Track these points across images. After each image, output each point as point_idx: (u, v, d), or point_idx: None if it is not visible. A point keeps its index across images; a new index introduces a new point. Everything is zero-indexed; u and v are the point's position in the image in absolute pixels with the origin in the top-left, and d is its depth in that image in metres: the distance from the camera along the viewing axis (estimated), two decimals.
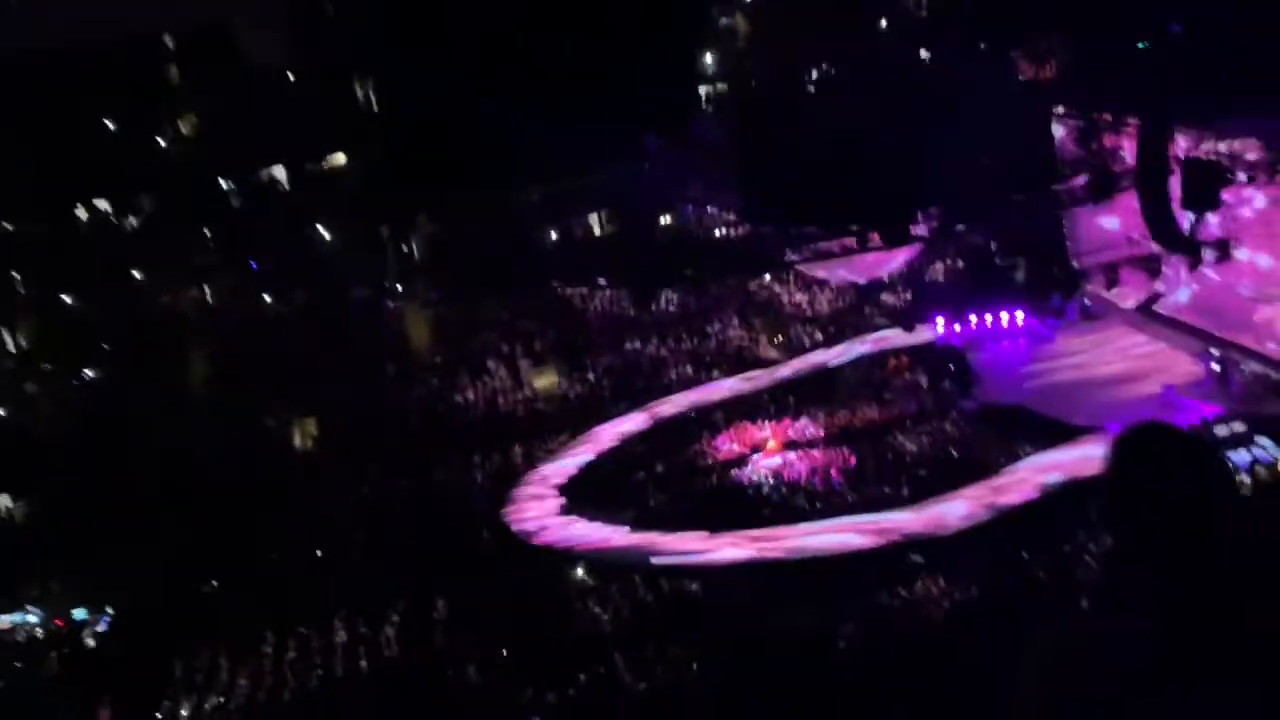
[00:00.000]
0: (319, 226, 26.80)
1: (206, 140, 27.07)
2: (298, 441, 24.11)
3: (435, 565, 19.17)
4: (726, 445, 23.66)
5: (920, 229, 25.58)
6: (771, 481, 22.05)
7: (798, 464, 22.44)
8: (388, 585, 18.77)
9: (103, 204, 27.54)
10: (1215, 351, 22.28)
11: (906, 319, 26.45)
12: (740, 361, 27.22)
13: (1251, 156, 21.10)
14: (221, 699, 17.67)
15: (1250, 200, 22.21)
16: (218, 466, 21.94)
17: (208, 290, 26.47)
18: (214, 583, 20.18)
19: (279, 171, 30.05)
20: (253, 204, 29.12)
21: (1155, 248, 22.37)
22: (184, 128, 27.35)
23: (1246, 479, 18.33)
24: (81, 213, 27.55)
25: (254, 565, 20.03)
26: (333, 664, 17.78)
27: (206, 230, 28.17)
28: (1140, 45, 23.55)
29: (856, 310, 28.59)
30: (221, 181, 28.98)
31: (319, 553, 21.01)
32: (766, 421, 24.21)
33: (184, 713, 17.61)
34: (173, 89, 27.95)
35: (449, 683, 16.99)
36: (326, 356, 25.62)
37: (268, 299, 28.18)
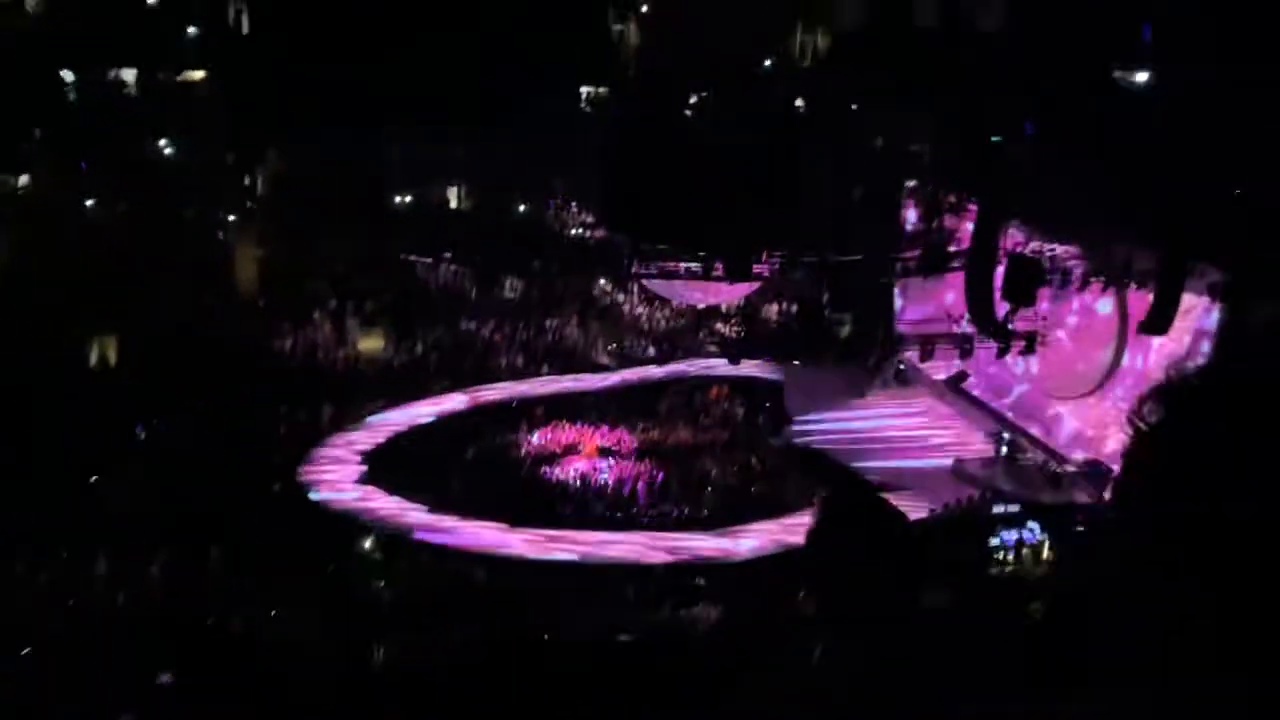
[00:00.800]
0: (160, 140, 25.43)
1: (52, 24, 25.27)
2: (93, 359, 22.68)
3: (218, 509, 18.42)
4: (541, 441, 23.74)
5: (761, 269, 26.40)
6: (578, 484, 22.26)
7: (607, 471, 22.74)
8: (161, 523, 17.89)
9: None
10: (1006, 435, 23.95)
11: (733, 351, 27.23)
12: (571, 361, 27.36)
13: (1073, 263, 22.77)
14: None
15: (1065, 304, 24.03)
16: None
17: (25, 181, 24.65)
18: None
19: (128, 74, 28.37)
20: (92, 102, 27.40)
21: (971, 329, 23.82)
22: (29, 4, 25.48)
23: (1010, 557, 19.81)
24: None
25: (23, 483, 18.69)
26: (89, 596, 16.84)
27: (36, 119, 26.35)
28: (994, 139, 25.17)
29: (691, 332, 29.19)
30: (63, 73, 27.16)
31: (93, 478, 19.87)
32: (585, 425, 24.44)
33: None
34: None
35: (210, 631, 16.40)
36: (142, 274, 24.28)
37: (89, 203, 26.51)
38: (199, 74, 28.53)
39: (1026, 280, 22.80)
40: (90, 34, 26.07)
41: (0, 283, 22.49)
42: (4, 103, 23.28)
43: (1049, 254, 22.47)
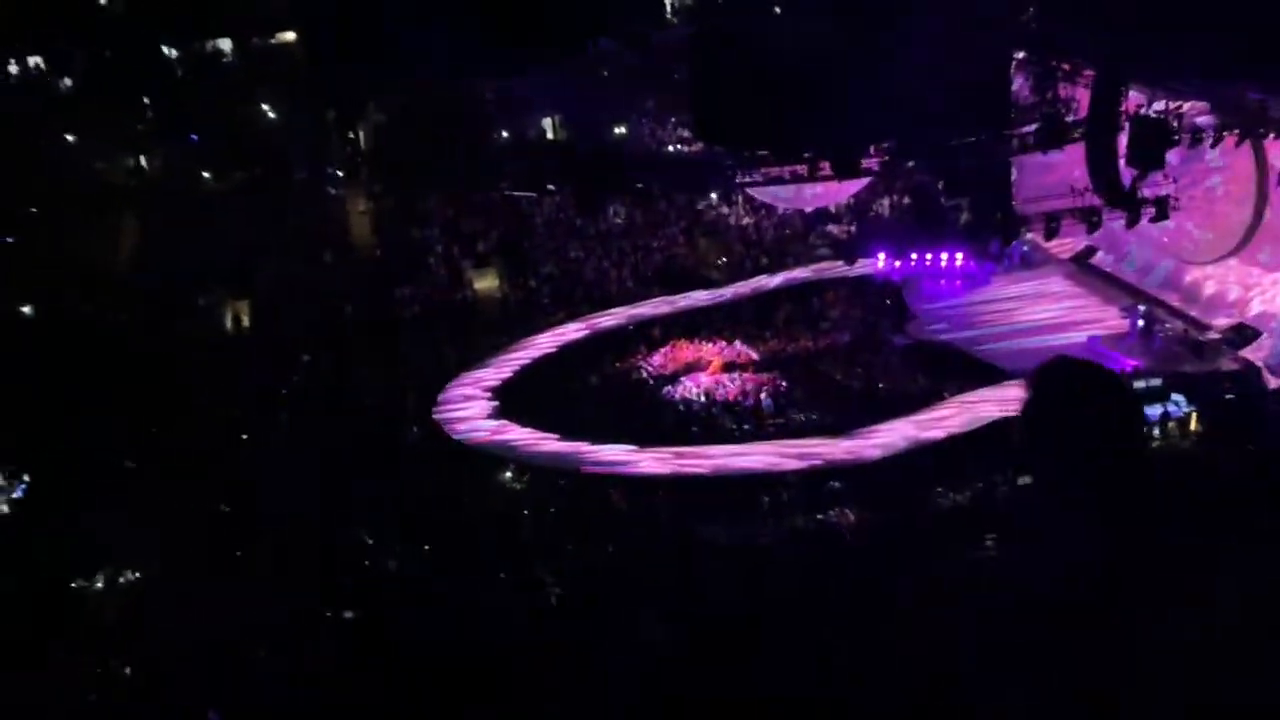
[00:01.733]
0: (263, 105, 26.03)
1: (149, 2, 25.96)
2: (228, 323, 23.65)
3: (360, 457, 19.16)
4: (661, 362, 23.83)
5: (870, 163, 25.61)
6: (703, 400, 22.32)
7: (729, 385, 22.72)
8: (308, 472, 18.69)
9: (35, 60, 26.42)
10: (1141, 308, 22.92)
11: (848, 252, 26.64)
12: (683, 279, 27.23)
13: (1202, 120, 21.42)
14: (135, 573, 17.63)
15: (1197, 163, 22.68)
16: (145, 341, 21.53)
17: (143, 161, 25.60)
18: (130, 461, 19.88)
19: (224, 44, 28.96)
20: (196, 74, 28.10)
21: (1097, 201, 22.71)
22: None
23: (1157, 430, 19.13)
24: (13, 68, 26.41)
25: (175, 442, 19.76)
26: (248, 545, 17.76)
27: (145, 98, 27.19)
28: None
29: (801, 238, 28.66)
30: (164, 48, 27.87)
31: (243, 435, 20.84)
32: (703, 341, 24.40)
33: (98, 584, 17.56)
34: None
35: (366, 572, 17.18)
36: (263, 238, 25.08)
37: (206, 175, 27.35)
38: (290, 35, 29.01)
39: (1152, 142, 21.61)
40: (186, 6, 26.69)
41: (133, 258, 23.54)
42: (115, 82, 24.12)
43: (1175, 112, 21.21)
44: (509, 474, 19.63)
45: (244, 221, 24.94)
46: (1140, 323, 22.18)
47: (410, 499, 18.21)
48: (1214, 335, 21.68)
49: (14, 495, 20.46)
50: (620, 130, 28.87)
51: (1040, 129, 24.05)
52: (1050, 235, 23.79)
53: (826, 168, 24.62)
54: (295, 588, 16.59)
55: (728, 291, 26.68)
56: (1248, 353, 20.81)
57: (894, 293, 25.70)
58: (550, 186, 27.76)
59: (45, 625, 16.45)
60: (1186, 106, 21.21)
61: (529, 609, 16.21)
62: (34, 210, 24.51)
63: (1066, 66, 23.72)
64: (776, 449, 20.08)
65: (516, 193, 27.54)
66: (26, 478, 20.33)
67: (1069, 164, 23.54)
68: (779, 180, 25.94)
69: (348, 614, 16.29)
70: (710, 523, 18.16)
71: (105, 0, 26.33)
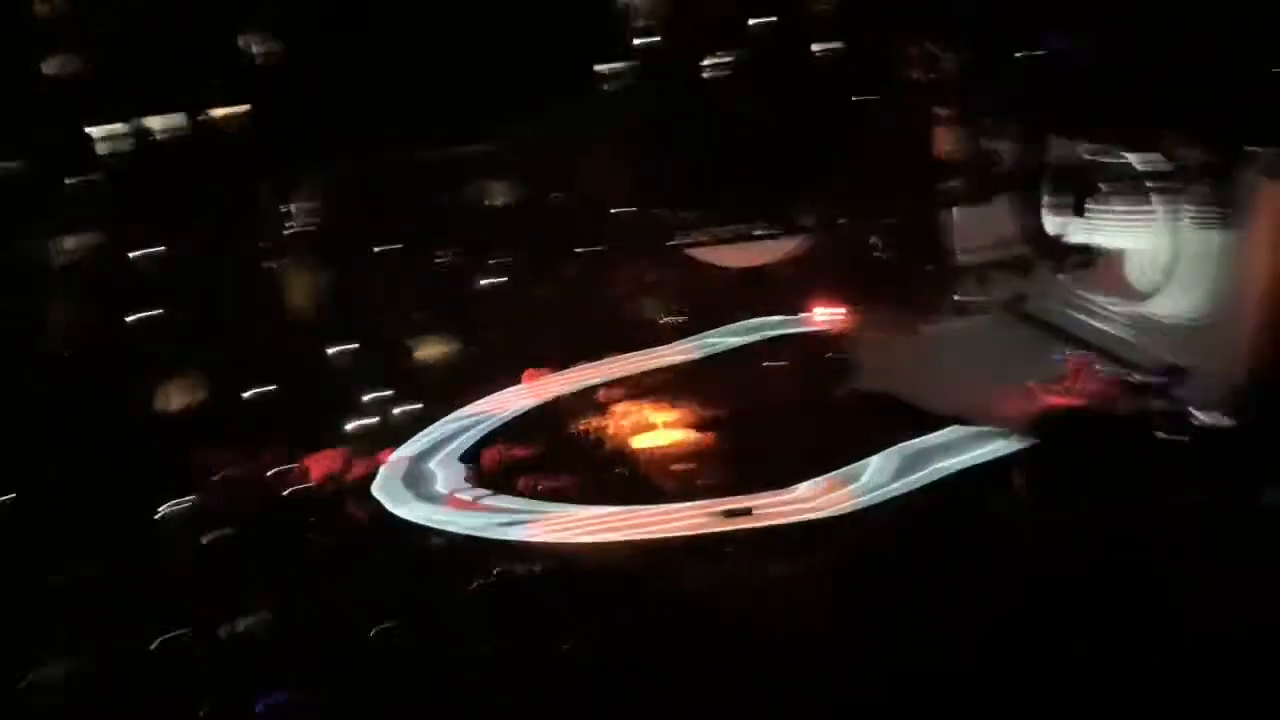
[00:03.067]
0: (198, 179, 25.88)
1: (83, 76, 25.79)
2: (172, 404, 23.42)
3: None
4: (612, 424, 23.99)
5: (807, 219, 26.26)
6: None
7: (679, 444, 22.93)
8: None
9: None
10: (1069, 353, 23.54)
11: (789, 306, 27.12)
12: (629, 339, 27.47)
13: (1124, 168, 22.30)
14: None
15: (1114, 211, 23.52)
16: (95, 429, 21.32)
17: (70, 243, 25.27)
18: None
19: (156, 121, 28.79)
20: (127, 153, 27.89)
21: (1025, 250, 23.52)
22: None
23: None
24: None
25: None
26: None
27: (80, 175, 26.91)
28: (1018, 55, 24.65)
29: (741, 294, 29.09)
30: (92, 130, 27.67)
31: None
32: (651, 400, 24.65)
33: None
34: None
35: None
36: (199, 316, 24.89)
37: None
38: (239, 109, 28.79)
39: (1074, 191, 22.45)
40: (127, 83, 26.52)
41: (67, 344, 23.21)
42: (44, 162, 23.91)
43: (1098, 161, 22.09)
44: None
45: (179, 297, 24.79)
46: (1073, 366, 22.84)
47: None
48: (1146, 376, 22.39)
49: None
50: (557, 195, 29.07)
51: (967, 183, 24.97)
52: (982, 284, 24.58)
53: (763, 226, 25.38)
54: None
55: (670, 350, 27.07)
56: (1179, 393, 21.52)
57: (836, 345, 26.21)
58: (491, 250, 27.93)
59: None
60: (1105, 157, 22.13)
61: None
62: None
63: (989, 121, 24.68)
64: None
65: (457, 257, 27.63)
66: None
67: (1002, 216, 24.37)
68: (722, 240, 26.55)
69: None
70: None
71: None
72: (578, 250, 26.71)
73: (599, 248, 26.57)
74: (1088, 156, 22.58)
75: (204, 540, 20.34)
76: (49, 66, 25.00)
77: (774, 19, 25.26)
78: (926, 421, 21.95)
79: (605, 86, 25.99)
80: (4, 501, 20.37)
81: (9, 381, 20.92)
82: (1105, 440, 19.60)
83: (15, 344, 22.04)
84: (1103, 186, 22.26)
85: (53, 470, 20.15)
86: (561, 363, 26.28)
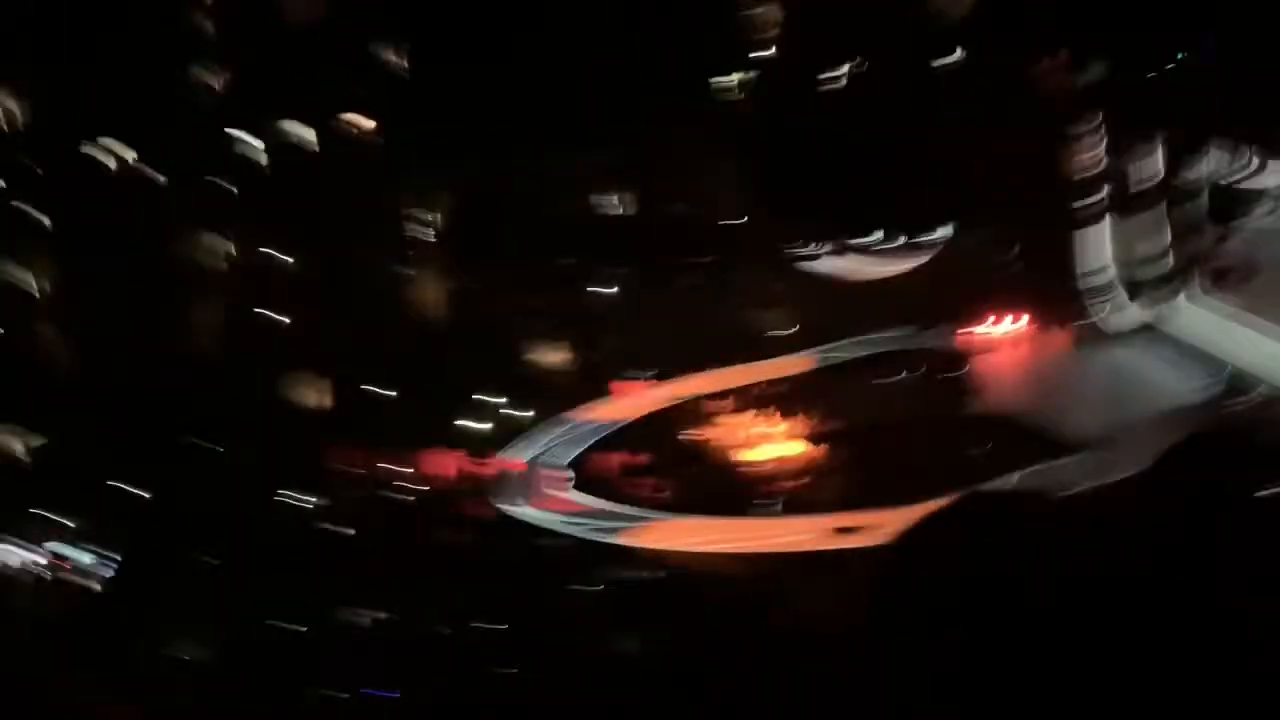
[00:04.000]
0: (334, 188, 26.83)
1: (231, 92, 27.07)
2: (307, 402, 24.27)
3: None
4: (724, 433, 23.79)
5: (938, 234, 25.60)
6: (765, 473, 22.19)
7: (791, 458, 22.57)
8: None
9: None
10: (1218, 376, 22.23)
11: (913, 321, 26.42)
12: (747, 350, 27.21)
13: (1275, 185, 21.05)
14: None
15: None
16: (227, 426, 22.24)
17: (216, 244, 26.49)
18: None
19: (300, 128, 29.99)
20: (269, 160, 29.15)
21: (1171, 268, 22.36)
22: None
23: None
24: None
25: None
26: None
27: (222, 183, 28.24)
28: (1170, 65, 23.51)
29: (864, 307, 28.50)
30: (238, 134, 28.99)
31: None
32: (763, 412, 24.34)
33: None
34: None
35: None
36: (333, 321, 25.77)
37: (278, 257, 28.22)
38: (364, 120, 29.88)
39: (1229, 206, 21.34)
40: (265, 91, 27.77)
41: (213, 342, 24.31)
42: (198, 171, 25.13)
43: (1251, 178, 20.90)
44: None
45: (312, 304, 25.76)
46: (1213, 393, 21.57)
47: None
48: None
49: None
50: (680, 205, 29.07)
51: (1107, 198, 23.92)
52: (1131, 299, 23.43)
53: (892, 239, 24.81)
54: None
55: (793, 362, 26.66)
56: None
57: (962, 361, 25.41)
58: (616, 261, 28.10)
59: None
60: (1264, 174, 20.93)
61: None
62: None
63: (1134, 132, 23.59)
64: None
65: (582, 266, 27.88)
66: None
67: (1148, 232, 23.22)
68: (845, 251, 26.10)
69: None
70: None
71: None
72: (695, 261, 26.60)
73: (716, 258, 26.38)
74: (1240, 168, 21.35)
75: (325, 535, 20.97)
76: (195, 73, 26.41)
77: (901, 27, 24.71)
78: (1057, 445, 21.03)
79: (726, 97, 25.92)
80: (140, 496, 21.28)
81: (148, 380, 21.98)
82: (1248, 474, 18.34)
83: (154, 343, 23.12)
84: (1258, 199, 21.00)
85: (188, 466, 21.04)
86: (674, 372, 26.22)
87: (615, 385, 24.44)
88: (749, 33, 26.02)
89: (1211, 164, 22.02)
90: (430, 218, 28.41)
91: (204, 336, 25.54)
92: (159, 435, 21.88)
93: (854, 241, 26.22)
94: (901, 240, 26.16)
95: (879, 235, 26.19)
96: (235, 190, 26.28)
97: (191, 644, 17.54)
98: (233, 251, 27.38)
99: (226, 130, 26.71)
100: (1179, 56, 23.20)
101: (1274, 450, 18.96)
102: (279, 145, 28.97)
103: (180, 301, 25.52)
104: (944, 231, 25.88)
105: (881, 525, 19.14)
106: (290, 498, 21.78)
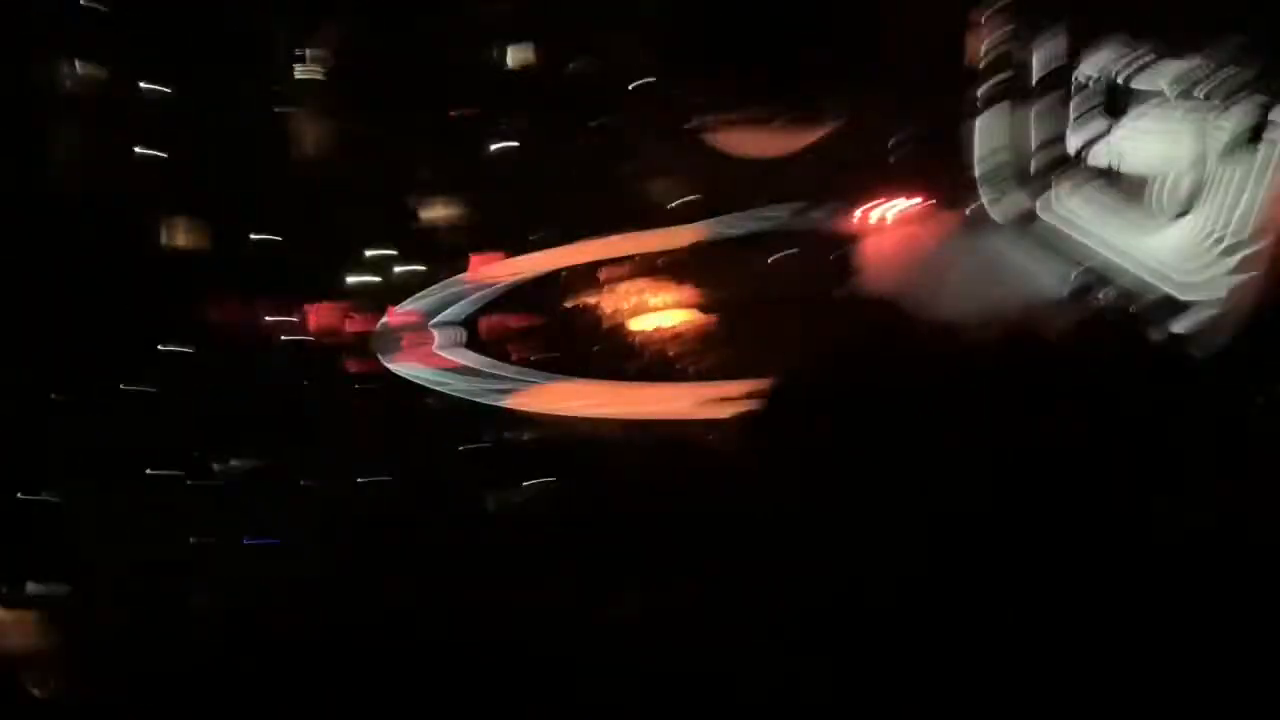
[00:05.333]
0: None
1: None
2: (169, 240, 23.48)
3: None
4: (614, 301, 24.00)
5: (832, 110, 25.64)
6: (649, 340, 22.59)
7: (674, 328, 22.98)
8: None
9: None
10: (1080, 271, 23.21)
11: (806, 197, 26.68)
12: (640, 218, 27.21)
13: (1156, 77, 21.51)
14: None
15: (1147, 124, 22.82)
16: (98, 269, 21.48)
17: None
18: None
19: None
20: None
21: (1047, 162, 22.92)
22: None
23: None
24: None
25: None
26: None
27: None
28: None
29: (758, 181, 28.62)
30: None
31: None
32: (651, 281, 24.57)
33: None
34: None
35: None
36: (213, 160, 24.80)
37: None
38: None
39: (1102, 107, 21.80)
40: None
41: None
42: None
43: (1136, 69, 21.33)
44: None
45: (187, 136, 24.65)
46: (1076, 288, 22.55)
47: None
48: (1143, 305, 22.12)
49: None
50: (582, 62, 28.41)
51: (997, 85, 24.21)
52: (999, 194, 24.06)
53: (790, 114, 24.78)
54: None
55: (683, 232, 26.77)
56: (1174, 325, 21.30)
57: (844, 244, 25.93)
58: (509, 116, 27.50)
59: None
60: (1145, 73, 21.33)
61: None
62: None
63: (1028, 25, 23.76)
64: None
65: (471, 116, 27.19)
66: None
67: (1029, 124, 23.66)
68: (743, 123, 26.02)
69: None
70: None
71: None
72: (592, 122, 26.20)
73: (614, 120, 26.03)
74: (1125, 64, 21.76)
75: (205, 383, 20.69)
76: None
77: None
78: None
79: None
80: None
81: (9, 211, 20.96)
82: (1098, 362, 19.48)
83: (17, 175, 21.96)
84: (1138, 97, 21.53)
85: (53, 306, 20.34)
86: (564, 237, 26.16)
87: (474, 256, 24.13)
88: None
89: (1109, 57, 22.35)
90: (320, 54, 27.23)
91: (75, 170, 24.38)
92: (27, 276, 21.03)
93: (753, 112, 26.12)
94: (800, 113, 26.16)
95: (778, 106, 26.14)
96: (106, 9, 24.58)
97: (62, 492, 17.34)
98: (104, 79, 25.90)
99: None
100: None
101: (1122, 345, 20.30)
102: None
103: (49, 132, 24.23)
104: (843, 106, 25.95)
105: (750, 396, 19.98)
106: (170, 349, 21.32)
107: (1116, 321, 21.50)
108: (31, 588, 16.32)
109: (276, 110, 25.92)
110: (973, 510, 14.76)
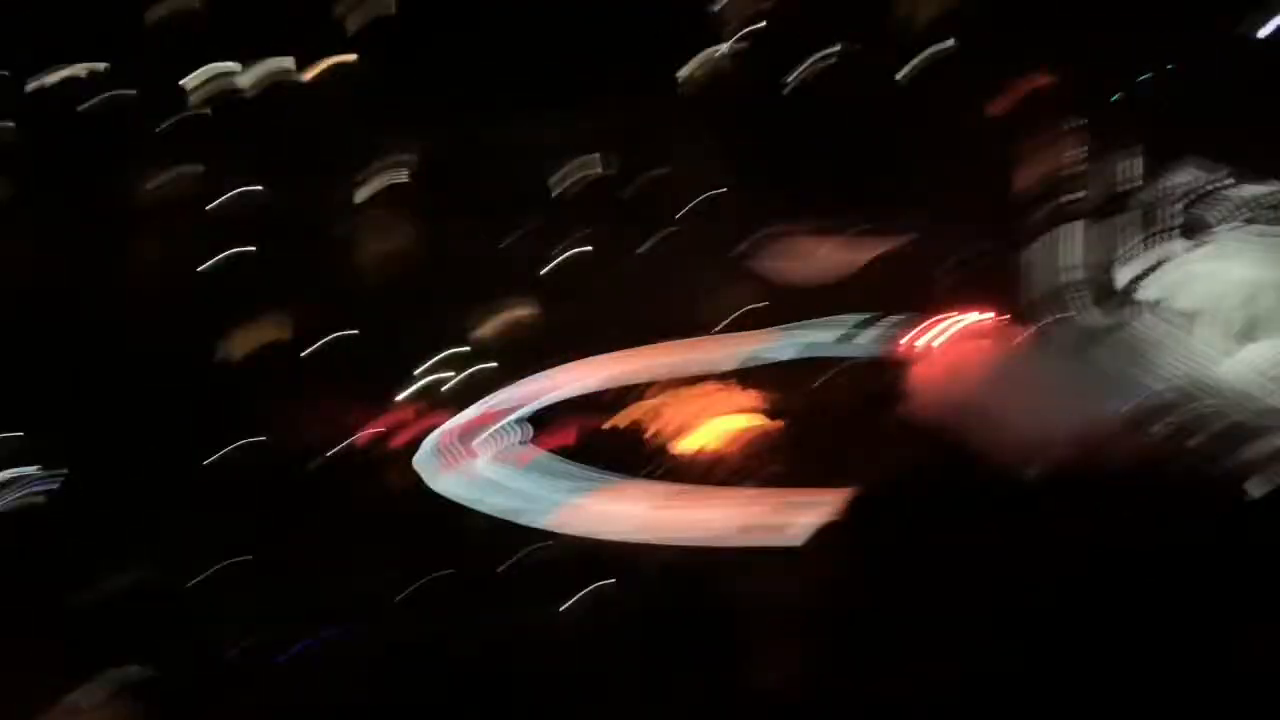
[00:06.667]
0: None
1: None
2: (234, 356, 24.27)
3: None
4: (668, 414, 23.88)
5: (900, 224, 25.63)
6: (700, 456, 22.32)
7: (733, 442, 22.72)
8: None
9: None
10: (1145, 399, 22.42)
11: (874, 308, 26.45)
12: (707, 326, 27.24)
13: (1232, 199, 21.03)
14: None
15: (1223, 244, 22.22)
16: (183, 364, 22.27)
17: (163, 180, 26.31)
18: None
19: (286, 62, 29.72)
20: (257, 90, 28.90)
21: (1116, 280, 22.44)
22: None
23: None
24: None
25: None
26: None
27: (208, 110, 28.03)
28: (1154, 73, 23.47)
29: (830, 293, 28.50)
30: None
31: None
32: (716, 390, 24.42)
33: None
34: None
35: None
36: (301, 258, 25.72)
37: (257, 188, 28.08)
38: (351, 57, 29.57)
39: (1196, 222, 21.38)
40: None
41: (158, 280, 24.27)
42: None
43: (1212, 190, 20.95)
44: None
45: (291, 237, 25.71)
46: (1135, 417, 21.77)
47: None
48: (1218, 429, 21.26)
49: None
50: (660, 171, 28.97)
51: (1086, 199, 24.03)
52: (1068, 312, 23.57)
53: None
54: None
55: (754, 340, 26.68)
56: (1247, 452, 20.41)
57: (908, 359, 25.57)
58: (581, 225, 28.06)
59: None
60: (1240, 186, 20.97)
61: None
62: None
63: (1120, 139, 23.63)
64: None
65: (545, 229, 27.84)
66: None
67: (1100, 242, 23.28)
68: (811, 234, 26.12)
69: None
70: None
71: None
72: (661, 232, 26.61)
73: (679, 230, 26.40)
74: (1200, 186, 21.38)
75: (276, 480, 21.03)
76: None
77: (881, 18, 24.57)
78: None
79: (699, 75, 25.79)
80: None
81: (95, 316, 21.96)
82: (1163, 487, 18.74)
83: (101, 278, 23.09)
84: (1212, 219, 21.07)
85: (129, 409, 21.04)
86: (624, 346, 26.33)
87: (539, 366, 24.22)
88: (729, 11, 25.86)
89: (1187, 175, 22.01)
90: (407, 160, 28.31)
91: (171, 269, 25.56)
92: (121, 366, 21.90)
93: (820, 225, 26.23)
94: (868, 227, 26.19)
95: (847, 220, 26.23)
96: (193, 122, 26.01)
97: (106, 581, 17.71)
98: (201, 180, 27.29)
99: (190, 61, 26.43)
100: (1165, 66, 23.17)
101: (1178, 481, 19.52)
102: (260, 75, 28.78)
103: (151, 230, 25.52)
104: (911, 221, 25.92)
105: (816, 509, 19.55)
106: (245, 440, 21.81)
107: (1185, 446, 20.70)
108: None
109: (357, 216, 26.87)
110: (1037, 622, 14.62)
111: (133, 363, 21.73)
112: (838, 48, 25.87)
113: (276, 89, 28.86)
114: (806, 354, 26.22)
